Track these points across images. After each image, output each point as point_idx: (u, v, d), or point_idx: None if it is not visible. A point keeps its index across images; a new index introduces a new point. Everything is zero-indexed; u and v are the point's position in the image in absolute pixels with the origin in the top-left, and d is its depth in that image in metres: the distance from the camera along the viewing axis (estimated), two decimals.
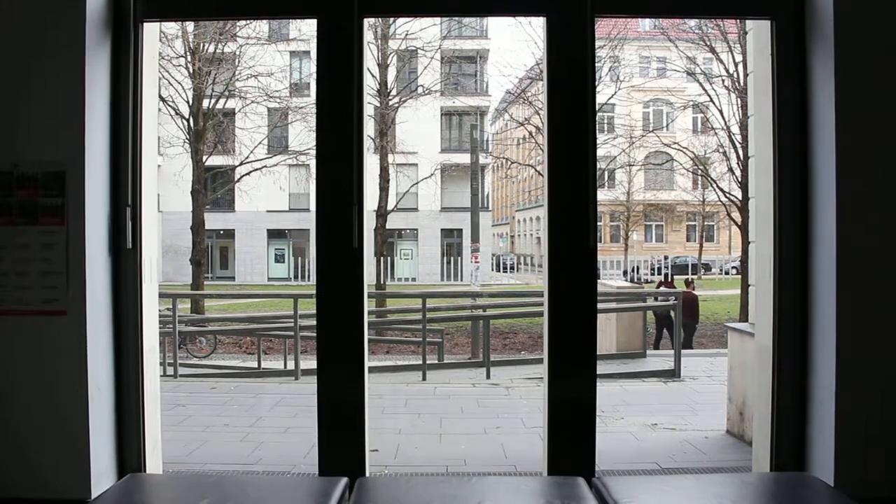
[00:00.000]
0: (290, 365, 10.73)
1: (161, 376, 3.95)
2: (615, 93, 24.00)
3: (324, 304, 3.40)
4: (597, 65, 3.51)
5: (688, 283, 16.70)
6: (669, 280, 16.60)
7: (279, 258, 33.39)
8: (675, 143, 25.28)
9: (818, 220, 3.24)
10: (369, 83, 18.26)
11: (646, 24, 28.42)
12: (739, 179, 18.60)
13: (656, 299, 15.68)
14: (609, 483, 2.73)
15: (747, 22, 5.07)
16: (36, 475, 3.09)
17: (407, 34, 20.94)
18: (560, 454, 3.37)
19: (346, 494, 2.70)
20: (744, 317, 14.42)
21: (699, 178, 28.04)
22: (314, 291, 3.43)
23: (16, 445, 3.10)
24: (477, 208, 19.22)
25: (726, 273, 34.18)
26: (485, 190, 31.82)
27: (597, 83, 3.51)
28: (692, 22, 19.92)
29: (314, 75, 3.45)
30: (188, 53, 18.08)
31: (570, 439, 3.37)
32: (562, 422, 3.37)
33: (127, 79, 3.32)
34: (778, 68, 3.39)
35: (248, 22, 18.30)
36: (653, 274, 31.21)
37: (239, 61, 20.06)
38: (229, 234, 32.23)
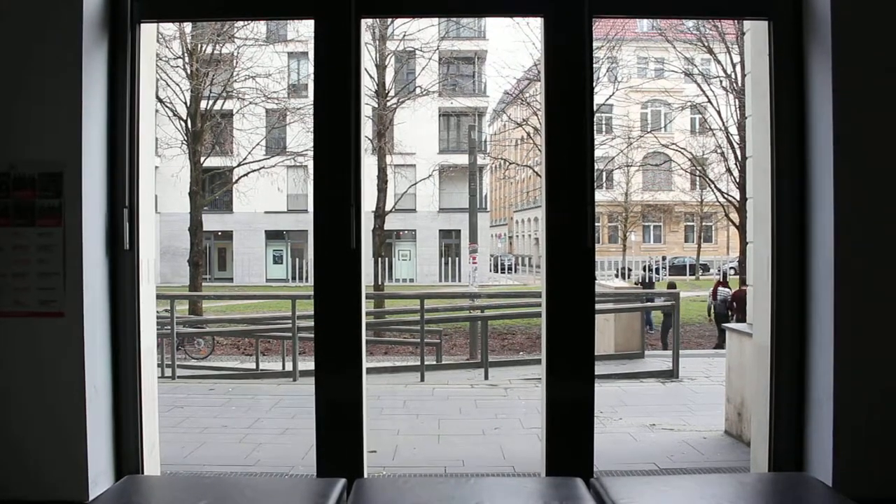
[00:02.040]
0: (289, 366, 10.72)
1: (159, 378, 3.96)
2: (613, 93, 24.04)
3: (322, 306, 3.40)
4: (595, 65, 3.51)
5: (743, 283, 16.97)
6: (725, 280, 16.95)
7: (277, 259, 33.45)
8: (673, 143, 25.36)
9: (816, 220, 3.24)
10: (367, 84, 18.24)
11: (644, 24, 28.50)
12: (737, 180, 18.66)
13: (715, 299, 16.53)
14: (607, 483, 2.73)
15: (745, 22, 5.08)
16: (33, 477, 3.08)
17: (405, 35, 20.94)
18: (558, 455, 3.37)
19: (344, 495, 2.70)
20: (742, 317, 14.46)
21: (697, 178, 28.12)
22: (312, 293, 3.43)
23: (13, 447, 3.09)
24: (475, 209, 19.23)
25: (724, 274, 34.20)
26: (483, 191, 31.87)
27: (595, 84, 3.50)
28: (690, 23, 19.95)
29: (312, 76, 3.44)
30: (186, 54, 18.07)
31: (569, 440, 3.37)
32: (560, 422, 3.37)
33: (124, 80, 3.31)
34: (776, 69, 3.39)
35: (246, 23, 18.31)
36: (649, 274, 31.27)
37: (237, 62, 20.07)
38: (227, 235, 32.27)
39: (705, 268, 36.06)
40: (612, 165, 29.75)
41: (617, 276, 27.84)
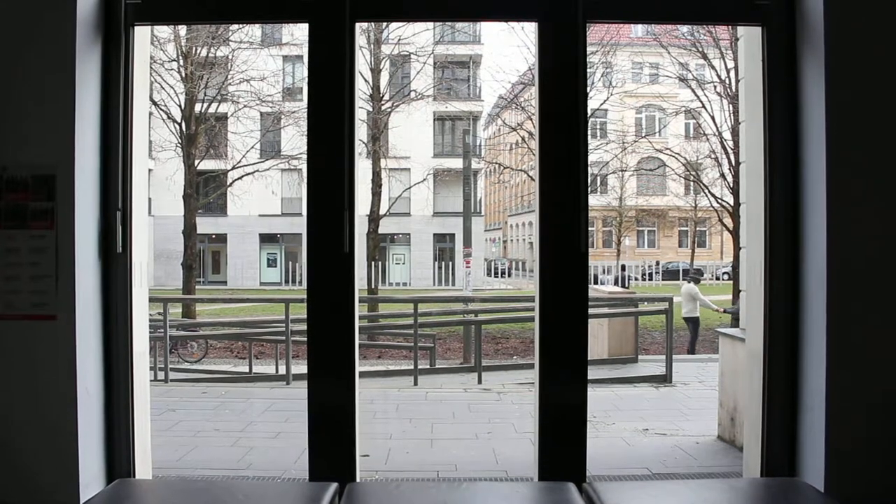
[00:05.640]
0: (282, 370, 10.70)
1: (151, 381, 3.94)
2: (607, 98, 24.10)
3: (315, 309, 3.39)
4: (589, 70, 3.52)
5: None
6: None
7: (271, 263, 33.34)
8: (667, 148, 25.41)
9: (809, 225, 3.25)
10: (362, 88, 18.28)
11: (638, 29, 28.53)
12: (731, 185, 18.69)
13: None
14: (599, 488, 2.73)
15: (739, 28, 5.09)
16: (24, 480, 3.06)
17: (399, 39, 20.94)
18: (551, 459, 3.36)
19: (336, 500, 2.69)
20: (735, 322, 14.49)
21: (691, 183, 28.15)
22: (305, 296, 3.43)
23: (4, 450, 3.07)
24: (469, 213, 19.22)
25: (718, 278, 34.27)
26: (477, 195, 31.87)
27: (589, 88, 3.51)
28: (684, 28, 20.01)
29: (306, 80, 3.44)
30: (180, 57, 18.04)
31: (561, 444, 3.37)
32: (553, 427, 3.37)
33: (118, 82, 3.30)
34: (769, 74, 3.40)
35: (241, 26, 18.29)
36: (644, 279, 31.33)
37: (231, 65, 20.04)
38: (221, 238, 32.16)
39: (699, 273, 36.10)
40: (607, 170, 29.77)
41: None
